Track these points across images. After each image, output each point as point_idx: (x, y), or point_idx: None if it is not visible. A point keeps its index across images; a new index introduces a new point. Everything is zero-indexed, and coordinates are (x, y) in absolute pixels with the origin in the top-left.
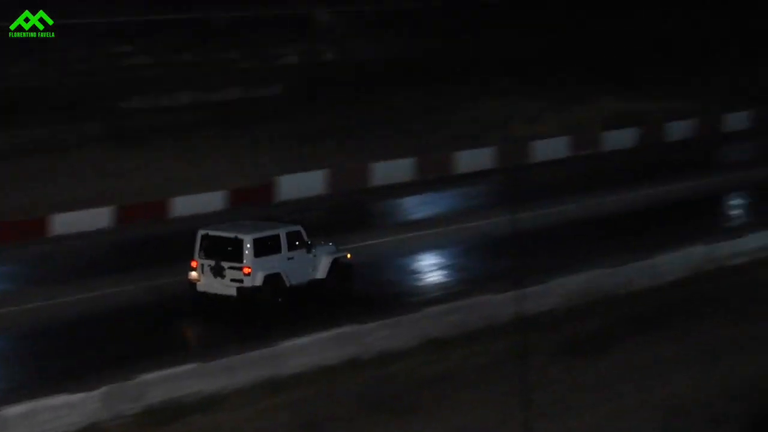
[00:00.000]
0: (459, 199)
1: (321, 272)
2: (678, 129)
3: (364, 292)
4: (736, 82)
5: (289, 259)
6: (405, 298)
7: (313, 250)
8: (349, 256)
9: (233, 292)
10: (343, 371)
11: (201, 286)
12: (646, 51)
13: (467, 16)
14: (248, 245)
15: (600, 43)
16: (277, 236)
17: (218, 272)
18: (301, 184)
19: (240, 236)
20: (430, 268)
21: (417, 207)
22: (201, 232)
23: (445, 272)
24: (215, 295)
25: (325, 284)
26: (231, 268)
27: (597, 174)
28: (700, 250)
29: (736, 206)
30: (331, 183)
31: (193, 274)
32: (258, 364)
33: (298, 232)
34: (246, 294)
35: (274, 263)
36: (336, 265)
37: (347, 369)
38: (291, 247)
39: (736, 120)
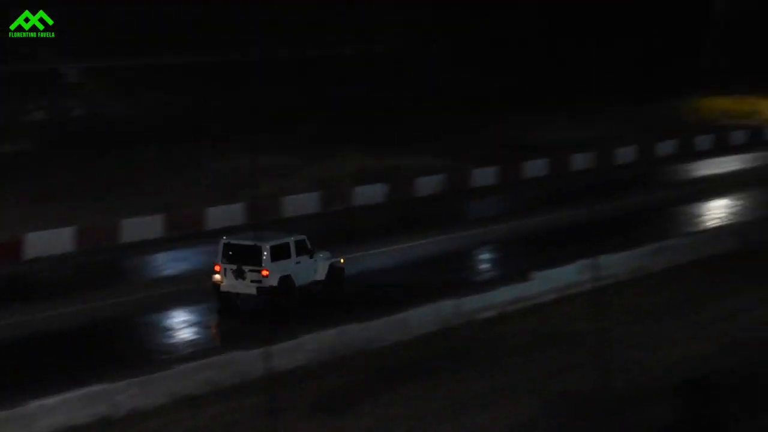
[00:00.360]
0: (209, 256)
1: (320, 274)
2: (428, 184)
3: (117, 349)
4: (488, 137)
5: (296, 263)
6: (155, 355)
7: (315, 256)
8: (342, 261)
9: (253, 291)
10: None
11: (224, 287)
12: (403, 107)
13: (216, 73)
14: (266, 251)
15: (354, 100)
16: (288, 244)
17: (239, 275)
18: (50, 242)
19: (259, 244)
20: (182, 325)
21: (168, 263)
22: (223, 241)
23: (196, 329)
24: (237, 294)
25: (323, 285)
26: (251, 270)
27: (347, 229)
28: (450, 304)
29: (484, 260)
30: (80, 240)
31: (217, 277)
32: (6, 426)
33: (304, 241)
34: (265, 292)
35: (286, 267)
36: (332, 269)
37: (98, 429)
38: (298, 253)
39: (484, 175)
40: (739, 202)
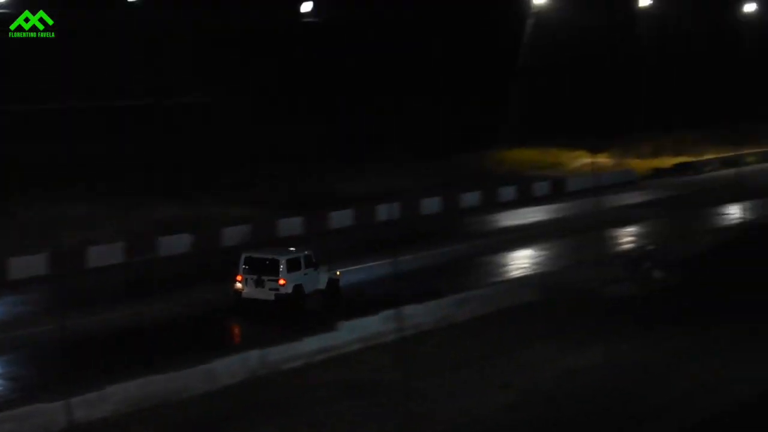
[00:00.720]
0: (10, 307)
1: (322, 285)
2: (234, 234)
3: None
4: (295, 188)
5: (305, 274)
6: None
7: (318, 269)
8: (338, 273)
9: (272, 297)
10: None
11: (245, 294)
12: (211, 157)
13: (22, 122)
14: (283, 264)
15: (162, 150)
16: (299, 258)
17: (259, 284)
18: None
19: (277, 258)
20: None
21: None
22: (244, 255)
23: None
24: (257, 300)
25: (324, 293)
26: (269, 280)
27: (151, 279)
28: (256, 354)
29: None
30: None
31: (239, 285)
32: None
33: (310, 255)
34: (281, 299)
35: (298, 277)
36: (330, 280)
37: None
38: (306, 265)
39: (291, 225)
40: (542, 253)
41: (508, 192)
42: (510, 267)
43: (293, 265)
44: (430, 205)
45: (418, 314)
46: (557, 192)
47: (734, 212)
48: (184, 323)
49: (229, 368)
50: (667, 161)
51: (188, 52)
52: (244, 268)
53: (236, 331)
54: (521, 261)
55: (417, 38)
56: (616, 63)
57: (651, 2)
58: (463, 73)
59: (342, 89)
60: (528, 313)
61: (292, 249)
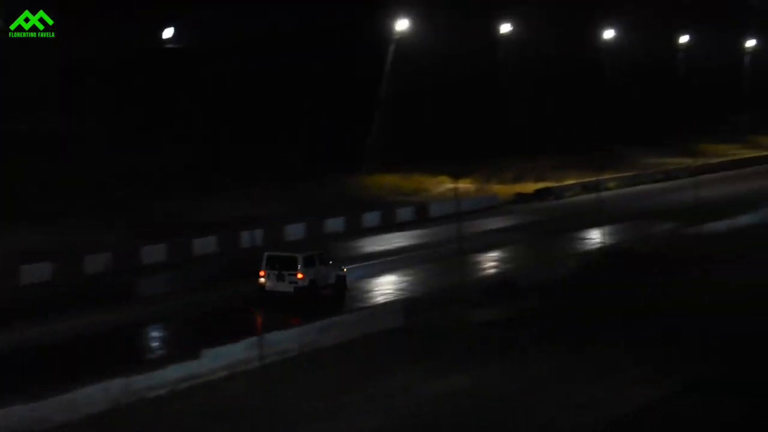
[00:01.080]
0: None
1: (332, 280)
2: (97, 261)
3: None
4: (158, 214)
5: (318, 270)
6: None
7: (328, 266)
8: (344, 270)
9: (291, 290)
10: None
11: (268, 287)
12: (75, 181)
13: None
14: (300, 261)
15: (19, 174)
16: (313, 255)
17: (280, 278)
18: None
19: (295, 255)
20: None
21: None
22: (267, 254)
23: None
24: (278, 292)
25: (333, 287)
26: (289, 275)
27: (11, 309)
28: (119, 383)
29: (155, 338)
30: None
31: (262, 280)
32: None
33: (322, 253)
34: (300, 290)
35: (313, 272)
36: (338, 276)
37: None
38: (319, 262)
39: (154, 252)
40: (406, 278)
41: (372, 218)
42: (374, 293)
43: (309, 262)
44: (294, 230)
45: (283, 340)
46: (421, 218)
47: (594, 237)
48: (47, 351)
49: (91, 397)
50: (529, 186)
51: (49, 78)
52: (267, 266)
53: (98, 360)
54: (385, 287)
55: (281, 63)
56: (477, 89)
57: (511, 29)
58: (326, 99)
59: (206, 115)
60: (392, 338)
61: (306, 248)
